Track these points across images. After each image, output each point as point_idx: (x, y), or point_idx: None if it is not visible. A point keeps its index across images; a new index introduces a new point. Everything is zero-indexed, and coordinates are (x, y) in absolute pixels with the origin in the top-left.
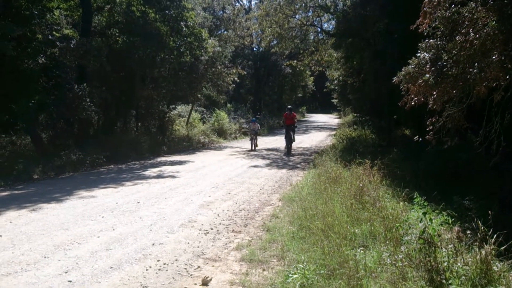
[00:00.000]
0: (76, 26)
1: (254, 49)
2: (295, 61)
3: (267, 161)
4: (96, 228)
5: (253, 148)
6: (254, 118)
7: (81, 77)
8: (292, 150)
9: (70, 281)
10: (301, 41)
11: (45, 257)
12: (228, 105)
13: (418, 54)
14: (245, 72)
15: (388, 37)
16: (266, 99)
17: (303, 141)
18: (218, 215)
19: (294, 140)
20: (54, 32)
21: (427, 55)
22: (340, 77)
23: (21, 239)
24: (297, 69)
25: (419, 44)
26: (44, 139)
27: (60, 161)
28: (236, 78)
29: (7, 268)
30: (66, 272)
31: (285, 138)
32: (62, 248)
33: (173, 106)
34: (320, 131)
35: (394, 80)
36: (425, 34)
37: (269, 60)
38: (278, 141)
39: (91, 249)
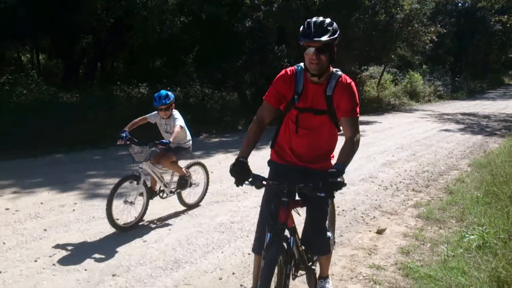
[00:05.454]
0: None
1: (459, 4)
2: (505, 16)
3: (461, 126)
4: None
5: (135, 221)
6: (166, 92)
7: (280, 38)
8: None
9: None
10: None
11: (244, 192)
12: (424, 66)
13: None
14: (445, 31)
15: None
16: (468, 60)
17: (508, 106)
18: (399, 174)
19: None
20: None
21: None
22: None
23: (227, 177)
24: (508, 25)
25: None
26: (248, 96)
27: None
28: (434, 37)
29: (216, 197)
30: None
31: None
32: None
33: (365, 67)
34: None
35: None
36: None
37: (474, 16)
38: (477, 106)
39: None
